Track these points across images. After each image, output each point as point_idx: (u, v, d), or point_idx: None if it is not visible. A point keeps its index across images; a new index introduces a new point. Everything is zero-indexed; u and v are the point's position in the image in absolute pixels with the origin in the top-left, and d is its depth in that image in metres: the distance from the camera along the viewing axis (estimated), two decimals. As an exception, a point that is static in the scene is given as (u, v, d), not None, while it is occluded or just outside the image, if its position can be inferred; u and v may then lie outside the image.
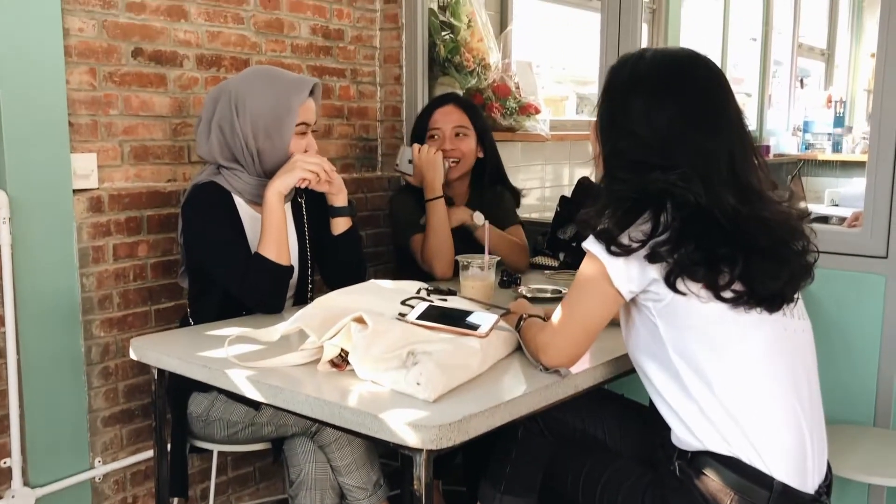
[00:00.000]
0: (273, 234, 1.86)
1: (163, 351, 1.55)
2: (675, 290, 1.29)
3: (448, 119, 2.48)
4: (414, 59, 2.98)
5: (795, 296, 1.36)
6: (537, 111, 3.33)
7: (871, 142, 2.13)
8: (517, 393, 1.30)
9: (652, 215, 1.31)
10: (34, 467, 2.09)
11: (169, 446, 1.88)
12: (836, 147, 5.90)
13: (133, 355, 1.61)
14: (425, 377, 1.24)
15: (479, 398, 1.27)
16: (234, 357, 1.43)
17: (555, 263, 2.45)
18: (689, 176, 1.31)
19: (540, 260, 2.49)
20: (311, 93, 2.01)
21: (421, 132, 2.52)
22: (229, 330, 1.64)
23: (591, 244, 1.35)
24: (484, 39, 3.07)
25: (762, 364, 1.32)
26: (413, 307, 1.45)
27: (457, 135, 2.48)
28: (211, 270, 1.92)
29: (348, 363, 1.36)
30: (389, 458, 2.32)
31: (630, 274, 1.32)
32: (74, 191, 2.15)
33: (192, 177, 2.44)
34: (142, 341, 1.63)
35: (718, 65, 1.44)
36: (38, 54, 2.04)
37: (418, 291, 1.58)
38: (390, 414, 1.19)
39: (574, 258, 2.38)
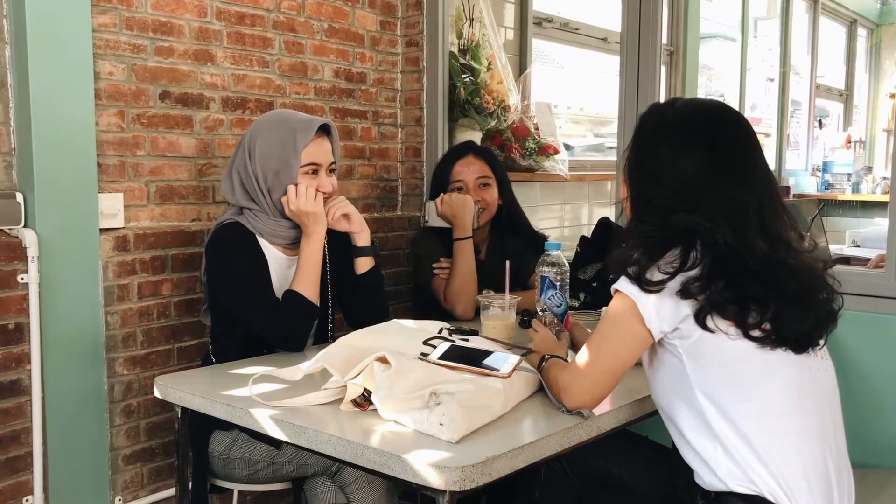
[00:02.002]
0: (310, 273, 1.90)
1: (186, 389, 1.57)
2: (705, 327, 1.30)
3: (471, 170, 2.50)
4: (434, 101, 3.03)
5: (821, 340, 1.36)
6: (556, 151, 3.36)
7: (893, 182, 2.13)
8: (540, 434, 1.30)
9: (681, 251, 1.33)
10: (55, 505, 2.10)
11: (189, 485, 1.88)
12: (856, 188, 5.88)
13: (157, 393, 1.63)
14: (448, 418, 1.24)
15: (502, 439, 1.27)
16: (257, 396, 1.44)
17: (575, 304, 2.44)
18: (714, 217, 1.33)
19: (559, 300, 2.49)
20: (328, 133, 2.04)
21: (442, 185, 2.53)
22: (252, 369, 1.65)
23: (622, 284, 1.36)
24: (504, 81, 3.11)
25: (788, 404, 1.32)
26: (435, 347, 1.46)
27: (481, 185, 2.50)
28: (235, 309, 1.94)
29: (371, 403, 1.36)
30: (408, 499, 2.30)
31: (662, 312, 1.33)
32: (101, 230, 2.18)
33: (216, 216, 2.48)
34: (166, 379, 1.65)
35: (736, 106, 1.47)
36: (69, 97, 2.10)
37: (440, 331, 1.58)
38: (413, 455, 1.19)
39: (594, 298, 2.39)
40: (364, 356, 1.39)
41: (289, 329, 1.88)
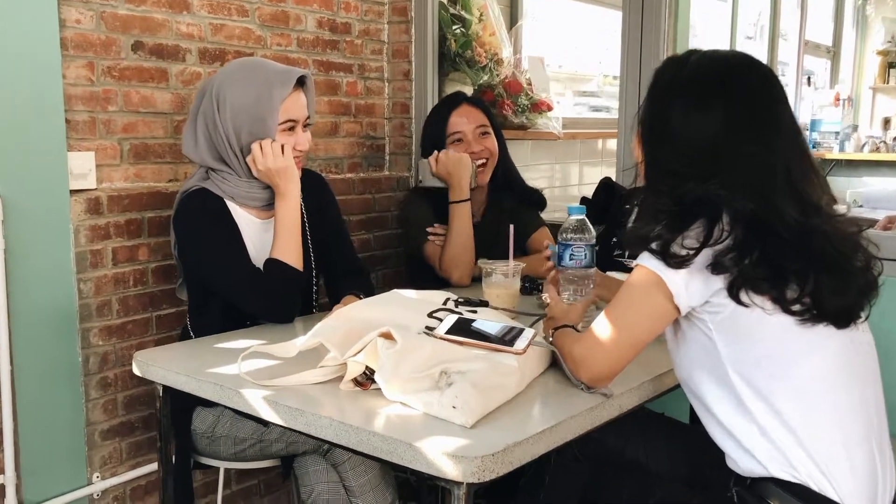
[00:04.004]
0: (290, 236, 1.76)
1: (169, 367, 1.44)
2: (739, 302, 1.19)
3: (469, 119, 2.35)
4: (424, 53, 2.87)
5: (863, 313, 1.25)
6: (549, 108, 3.23)
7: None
8: (561, 417, 1.19)
9: (706, 223, 1.21)
10: (29, 484, 1.97)
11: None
12: (843, 146, 5.82)
13: (136, 370, 1.50)
14: (461, 400, 1.13)
15: (520, 423, 1.16)
16: (247, 374, 1.32)
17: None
18: (733, 184, 1.21)
19: (559, 264, 2.38)
20: (303, 84, 1.87)
21: (438, 139, 2.36)
22: (241, 342, 1.53)
23: (645, 259, 1.25)
24: (496, 33, 2.96)
25: (830, 381, 1.23)
26: (441, 320, 1.34)
27: (481, 134, 2.35)
28: (213, 283, 1.80)
29: (373, 381, 1.25)
30: (403, 470, 2.21)
31: (692, 287, 1.22)
32: (71, 191, 2.03)
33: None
34: (145, 355, 1.52)
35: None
36: (32, 47, 1.92)
37: (445, 302, 1.46)
38: (425, 442, 1.08)
39: (596, 262, 2.27)
40: (365, 330, 1.27)
41: (274, 300, 1.74)
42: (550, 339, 1.43)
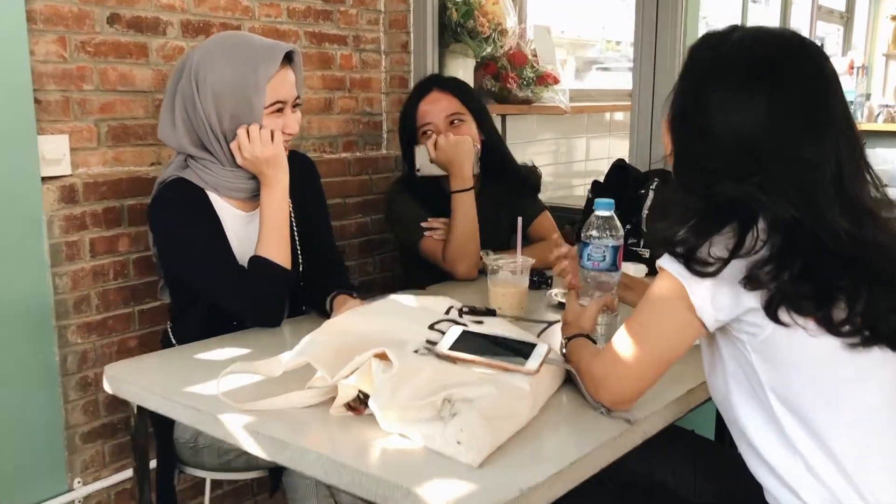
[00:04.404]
0: (277, 231, 1.60)
1: (143, 385, 1.30)
2: (777, 321, 1.04)
3: (437, 108, 2.14)
4: (423, 23, 2.70)
5: None
6: (556, 81, 3.06)
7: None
8: (581, 451, 1.05)
9: (738, 230, 1.06)
10: (5, 493, 1.85)
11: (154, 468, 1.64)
12: (855, 116, 5.64)
13: (107, 387, 1.36)
14: (467, 434, 0.99)
15: (535, 460, 1.03)
16: (227, 395, 1.18)
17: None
18: (774, 186, 1.06)
19: (569, 252, 2.23)
20: (290, 61, 1.69)
21: (410, 135, 2.18)
22: (224, 351, 1.39)
23: (667, 262, 1.10)
24: (500, 2, 2.78)
25: (887, 413, 1.08)
26: (444, 333, 1.20)
27: (451, 123, 2.14)
28: (194, 283, 1.65)
29: (367, 405, 1.11)
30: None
31: (719, 301, 1.07)
32: (43, 178, 1.88)
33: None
34: (118, 369, 1.37)
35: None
36: (-6, 21, 1.76)
37: (448, 311, 1.32)
38: (427, 488, 0.94)
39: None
40: (358, 347, 1.12)
41: (259, 302, 1.59)
42: (564, 349, 1.29)
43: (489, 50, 2.74)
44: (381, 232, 2.72)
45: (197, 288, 1.64)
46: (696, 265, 1.07)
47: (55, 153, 1.91)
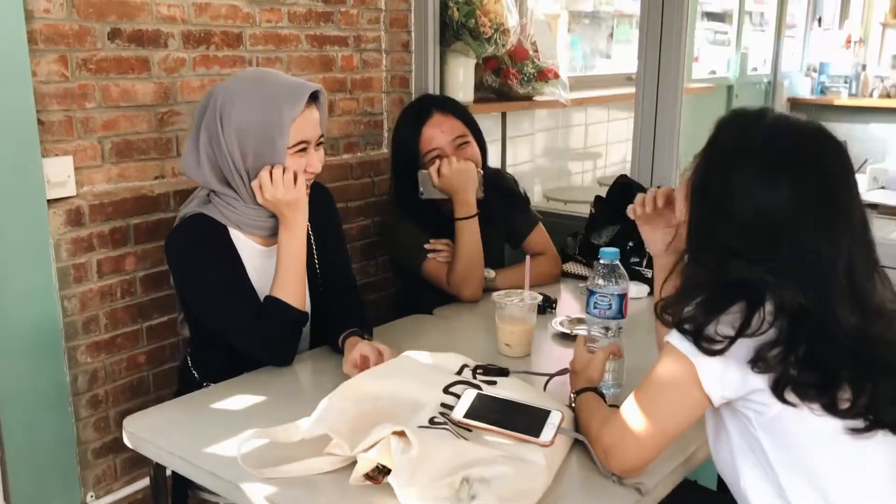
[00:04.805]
0: (293, 273, 1.60)
1: (162, 444, 1.31)
2: (785, 402, 1.07)
3: (444, 132, 2.10)
4: (424, 23, 2.67)
5: None
6: (556, 76, 3.04)
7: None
8: (597, 525, 1.09)
9: (744, 309, 1.08)
10: (20, 510, 1.89)
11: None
12: (850, 89, 5.63)
13: (127, 442, 1.38)
14: (486, 515, 1.02)
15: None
16: (247, 457, 1.20)
17: (588, 272, 2.21)
18: (786, 272, 1.08)
19: (571, 268, 2.25)
20: (315, 99, 1.68)
21: (411, 160, 2.12)
22: (237, 400, 1.42)
23: (676, 340, 1.13)
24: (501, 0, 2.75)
25: (890, 491, 1.12)
26: (458, 395, 1.23)
27: (458, 146, 2.11)
28: (208, 322, 1.66)
29: (386, 475, 1.14)
30: None
31: (727, 379, 1.10)
32: (49, 202, 1.87)
33: (181, 171, 2.17)
34: (137, 424, 1.39)
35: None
36: (-4, 44, 1.74)
37: (461, 370, 1.34)
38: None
39: (610, 267, 2.15)
40: (374, 415, 1.15)
41: (273, 344, 1.61)
42: (574, 403, 1.33)
43: (491, 50, 2.72)
44: (376, 235, 2.73)
45: (213, 327, 1.66)
46: (704, 342, 1.09)
47: (60, 175, 1.91)
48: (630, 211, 1.45)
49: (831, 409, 1.07)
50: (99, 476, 2.06)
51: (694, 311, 1.11)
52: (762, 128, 1.14)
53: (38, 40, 1.86)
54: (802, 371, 1.05)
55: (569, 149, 3.77)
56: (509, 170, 3.07)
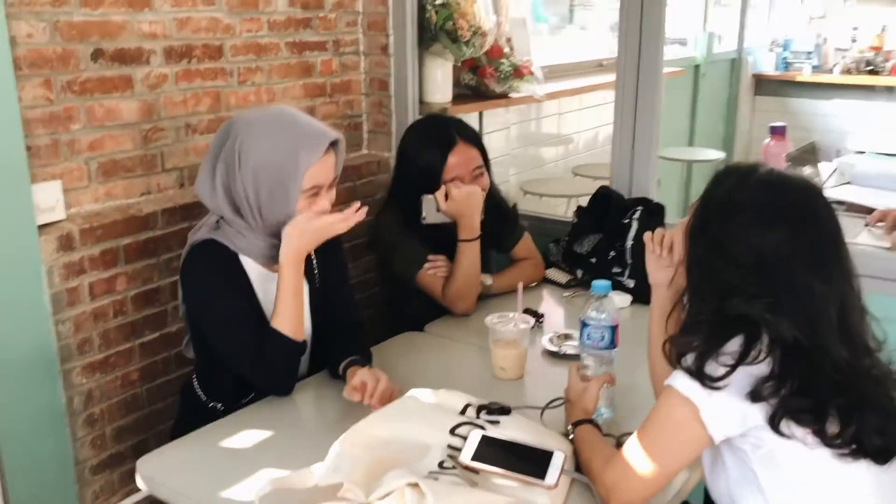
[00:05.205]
0: (288, 304, 1.64)
1: (177, 488, 1.36)
2: (780, 433, 1.16)
3: (467, 161, 2.12)
4: (402, 26, 2.68)
5: None
6: (530, 72, 3.07)
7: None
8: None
9: (744, 341, 1.17)
10: (21, 530, 1.93)
11: None
12: (816, 68, 5.72)
13: (141, 485, 1.42)
14: (497, 559, 1.10)
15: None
16: (265, 502, 1.25)
17: (570, 279, 2.28)
18: (781, 309, 1.16)
19: (554, 274, 2.31)
20: (334, 146, 1.70)
21: (429, 182, 2.11)
22: (245, 436, 1.47)
23: (679, 382, 1.20)
24: (477, 1, 2.76)
25: None
26: (464, 437, 1.29)
27: (476, 176, 2.15)
28: (214, 347, 1.70)
29: (399, 516, 1.20)
30: None
31: (729, 417, 1.18)
32: (40, 227, 1.88)
33: (166, 187, 2.19)
34: (151, 466, 1.42)
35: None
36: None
37: (465, 409, 1.40)
38: None
39: (591, 275, 2.21)
40: (386, 460, 1.21)
41: (273, 374, 1.65)
42: (572, 435, 1.40)
43: (469, 53, 2.74)
44: (364, 236, 2.77)
45: (219, 353, 1.70)
46: (707, 379, 1.17)
47: (49, 200, 1.92)
48: (647, 239, 1.51)
49: (822, 436, 1.16)
50: (97, 492, 2.10)
51: (696, 343, 1.18)
52: (756, 180, 1.23)
53: (22, 66, 1.85)
54: (796, 399, 1.14)
55: (543, 138, 3.81)
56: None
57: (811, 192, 1.24)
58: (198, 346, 1.81)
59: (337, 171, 1.75)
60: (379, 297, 2.55)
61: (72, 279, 1.95)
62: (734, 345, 1.17)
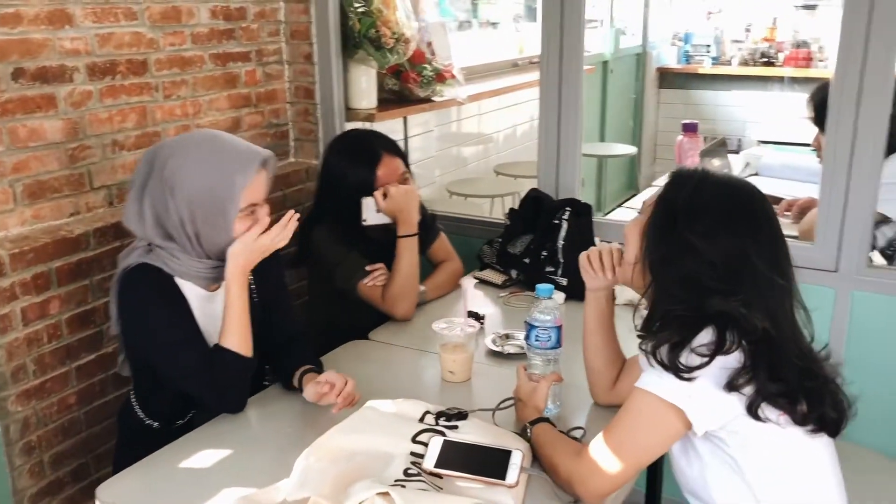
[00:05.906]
0: (235, 322, 1.64)
1: (144, 513, 1.36)
2: (757, 418, 1.25)
3: (394, 171, 2.20)
4: (326, 34, 2.70)
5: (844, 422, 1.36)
6: (452, 76, 3.13)
7: (826, 166, 2.12)
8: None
9: (716, 333, 1.25)
10: (-39, 568, 1.88)
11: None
12: (715, 60, 5.98)
13: (104, 513, 1.41)
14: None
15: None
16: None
17: (505, 279, 2.34)
18: (750, 304, 1.26)
19: (488, 275, 2.37)
20: (264, 163, 1.70)
21: (358, 191, 2.17)
22: (203, 457, 1.47)
23: (658, 386, 1.27)
24: (399, 6, 2.80)
25: (837, 491, 1.35)
26: (426, 444, 1.34)
27: (404, 181, 2.22)
28: (157, 370, 1.69)
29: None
30: None
31: (713, 412, 1.26)
32: (-34, 256, 1.83)
33: (95, 206, 2.15)
34: (110, 492, 1.41)
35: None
36: None
37: (423, 416, 1.44)
38: None
39: (527, 276, 2.29)
40: (352, 472, 1.25)
41: (225, 392, 1.64)
42: (529, 434, 1.45)
43: (394, 59, 2.78)
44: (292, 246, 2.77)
45: (164, 375, 1.69)
46: (683, 370, 1.24)
47: (-25, 227, 1.86)
48: (583, 264, 1.58)
49: (794, 415, 1.26)
50: (38, 521, 2.05)
51: (669, 335, 1.26)
52: (712, 184, 1.33)
53: (-60, 89, 1.79)
54: (770, 385, 1.24)
55: (464, 138, 3.88)
56: (412, 167, 3.15)
57: (759, 194, 1.35)
58: (134, 364, 1.79)
59: (268, 188, 1.75)
60: (310, 307, 2.55)
61: (3, 306, 1.90)
62: (705, 336, 1.25)
